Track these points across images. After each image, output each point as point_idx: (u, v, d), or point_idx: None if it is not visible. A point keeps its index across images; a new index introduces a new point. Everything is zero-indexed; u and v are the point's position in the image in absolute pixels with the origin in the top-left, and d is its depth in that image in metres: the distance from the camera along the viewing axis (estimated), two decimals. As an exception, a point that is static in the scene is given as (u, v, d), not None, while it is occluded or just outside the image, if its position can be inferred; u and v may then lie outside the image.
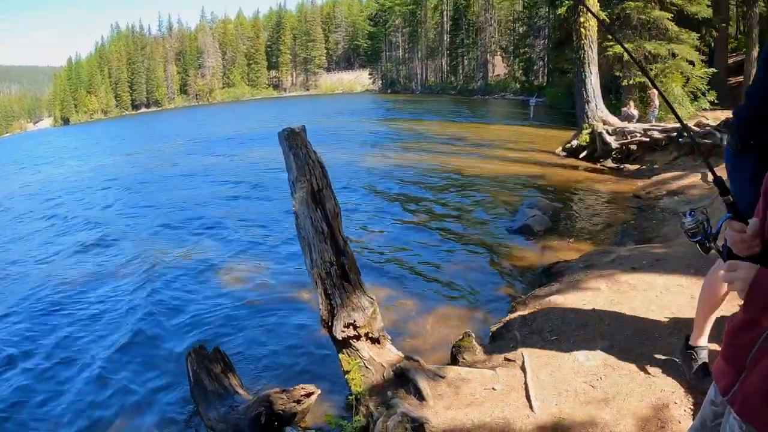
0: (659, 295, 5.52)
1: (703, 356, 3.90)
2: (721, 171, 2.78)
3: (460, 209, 12.95)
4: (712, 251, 1.76)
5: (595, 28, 18.60)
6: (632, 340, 4.75)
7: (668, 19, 22.65)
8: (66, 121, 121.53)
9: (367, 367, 4.83)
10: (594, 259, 7.43)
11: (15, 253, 13.35)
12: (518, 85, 66.40)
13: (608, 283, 6.03)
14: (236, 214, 14.56)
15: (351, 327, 4.76)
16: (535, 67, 65.53)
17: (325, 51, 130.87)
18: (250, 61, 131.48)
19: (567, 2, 23.92)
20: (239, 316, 7.88)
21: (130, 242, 12.92)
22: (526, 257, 9.17)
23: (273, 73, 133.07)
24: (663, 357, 4.42)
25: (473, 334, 5.27)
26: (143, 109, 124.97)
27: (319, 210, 4.88)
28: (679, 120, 2.09)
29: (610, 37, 23.03)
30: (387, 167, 19.41)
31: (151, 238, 13.06)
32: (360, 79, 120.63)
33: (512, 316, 5.88)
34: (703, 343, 3.92)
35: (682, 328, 4.77)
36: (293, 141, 4.97)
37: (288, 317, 7.69)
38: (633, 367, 4.36)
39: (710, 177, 1.82)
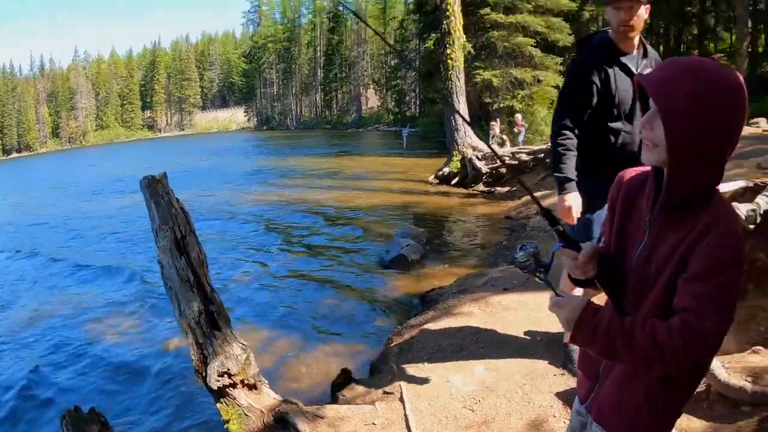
0: (531, 313, 5.65)
1: None
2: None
3: (334, 244, 12.77)
4: (543, 281, 1.80)
5: (462, 59, 19.31)
6: (507, 360, 4.84)
7: (532, 45, 23.87)
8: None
9: (246, 415, 4.67)
10: (467, 283, 7.55)
11: None
12: (391, 117, 67.92)
13: (481, 306, 6.12)
14: (105, 262, 13.67)
15: (225, 375, 4.59)
16: (407, 98, 67.21)
17: (200, 89, 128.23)
18: (124, 102, 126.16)
19: (435, 35, 24.67)
20: (114, 372, 7.32)
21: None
22: (401, 287, 9.11)
23: (147, 113, 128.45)
24: (539, 373, 4.52)
25: (351, 370, 5.22)
26: (14, 154, 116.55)
27: (184, 258, 4.69)
28: (494, 153, 2.18)
29: (477, 65, 24.07)
30: (258, 207, 18.82)
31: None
32: (235, 116, 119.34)
33: (389, 348, 5.78)
34: None
35: (556, 343, 4.94)
36: (154, 189, 4.77)
37: (164, 368, 7.27)
38: (510, 386, 4.41)
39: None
